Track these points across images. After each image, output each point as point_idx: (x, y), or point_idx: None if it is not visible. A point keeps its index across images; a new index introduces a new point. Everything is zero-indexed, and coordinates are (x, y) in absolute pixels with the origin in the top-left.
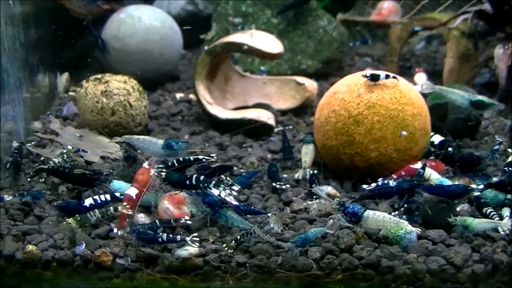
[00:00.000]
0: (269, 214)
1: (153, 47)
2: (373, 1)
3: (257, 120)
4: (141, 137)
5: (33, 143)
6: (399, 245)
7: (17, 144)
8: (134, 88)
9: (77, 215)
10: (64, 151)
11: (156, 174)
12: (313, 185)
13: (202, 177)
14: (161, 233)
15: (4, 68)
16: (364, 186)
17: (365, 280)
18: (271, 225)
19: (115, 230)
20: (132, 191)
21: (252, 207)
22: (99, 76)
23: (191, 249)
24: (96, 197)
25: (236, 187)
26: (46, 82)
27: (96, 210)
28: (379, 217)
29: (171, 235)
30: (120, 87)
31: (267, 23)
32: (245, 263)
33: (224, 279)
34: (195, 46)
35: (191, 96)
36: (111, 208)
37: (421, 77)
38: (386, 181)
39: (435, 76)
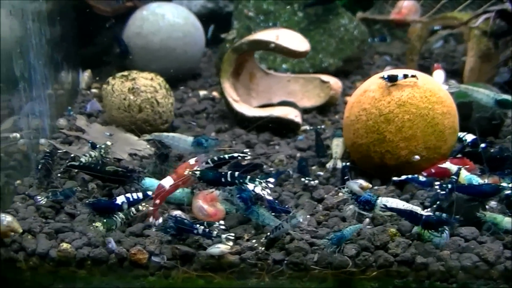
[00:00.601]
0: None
1: (176, 45)
2: (393, 0)
3: (284, 118)
4: (171, 134)
5: (58, 140)
6: (432, 242)
7: (49, 149)
8: (161, 85)
9: (103, 219)
10: (103, 146)
11: (191, 173)
12: (345, 177)
13: (237, 173)
14: (198, 226)
15: (32, 64)
16: (395, 178)
17: (400, 277)
18: (298, 219)
19: (151, 219)
20: (167, 182)
21: (286, 206)
22: (125, 73)
23: (222, 247)
24: (128, 195)
25: (271, 180)
26: (69, 79)
27: (119, 212)
28: (392, 205)
29: (207, 230)
30: (147, 84)
31: (289, 21)
32: (281, 260)
33: (260, 277)
34: (215, 44)
35: (214, 93)
36: (133, 209)
37: (439, 74)
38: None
39: (453, 74)
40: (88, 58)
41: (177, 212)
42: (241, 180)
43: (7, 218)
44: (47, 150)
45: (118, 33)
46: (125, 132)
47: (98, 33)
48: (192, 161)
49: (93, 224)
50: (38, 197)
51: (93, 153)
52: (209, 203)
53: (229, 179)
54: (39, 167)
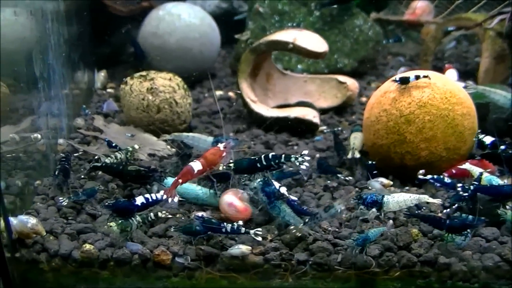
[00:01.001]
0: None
1: (192, 45)
2: (407, 1)
3: (303, 118)
4: (190, 134)
5: (76, 140)
6: (453, 243)
7: (65, 153)
8: (179, 85)
9: (119, 220)
10: (130, 149)
11: (225, 166)
12: (374, 172)
13: (270, 155)
14: (225, 223)
15: (51, 64)
16: (420, 176)
17: (422, 277)
18: (337, 209)
19: (164, 196)
20: (196, 166)
21: (305, 207)
22: (144, 73)
23: (243, 248)
24: (147, 195)
25: (306, 158)
26: (85, 78)
27: (137, 215)
28: (399, 199)
29: (235, 226)
30: (166, 85)
31: (304, 21)
32: (305, 261)
33: (284, 277)
34: (229, 44)
35: (230, 93)
36: (151, 214)
37: (452, 73)
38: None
39: (466, 75)
40: (102, 58)
41: (202, 213)
42: (276, 160)
43: (32, 221)
44: (63, 155)
45: (135, 37)
46: (143, 132)
47: (112, 33)
48: (221, 146)
49: (108, 224)
50: (60, 198)
51: (119, 155)
52: (238, 199)
53: (264, 162)
54: (56, 173)
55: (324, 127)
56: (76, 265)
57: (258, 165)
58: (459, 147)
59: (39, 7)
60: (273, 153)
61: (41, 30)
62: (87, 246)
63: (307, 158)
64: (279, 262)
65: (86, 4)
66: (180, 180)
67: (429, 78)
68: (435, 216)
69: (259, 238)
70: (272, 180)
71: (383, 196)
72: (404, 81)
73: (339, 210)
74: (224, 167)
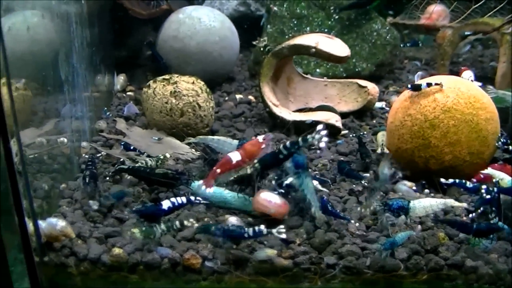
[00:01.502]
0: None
1: (213, 48)
2: (423, 6)
3: (326, 122)
4: (215, 137)
5: (98, 143)
6: (479, 246)
7: (89, 157)
8: (202, 89)
9: (143, 227)
10: (161, 157)
11: (251, 167)
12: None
13: (288, 143)
14: (246, 228)
15: (75, 67)
16: (443, 180)
17: (449, 280)
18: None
19: (203, 187)
20: (235, 156)
21: (337, 210)
22: (166, 76)
23: (268, 251)
24: (173, 199)
25: (321, 130)
26: (106, 81)
27: (162, 223)
28: (426, 204)
29: (256, 229)
30: (189, 88)
31: (322, 25)
32: (334, 264)
33: (313, 281)
34: (246, 47)
35: (250, 97)
36: (177, 222)
37: (468, 74)
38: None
39: (482, 79)
40: (121, 61)
41: (233, 219)
42: (296, 146)
43: (61, 223)
44: (88, 158)
45: (156, 49)
46: (166, 136)
47: (130, 35)
48: (260, 138)
49: (131, 230)
50: (91, 202)
51: (149, 162)
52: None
53: (285, 151)
54: (87, 180)
55: (346, 131)
56: (105, 269)
57: (281, 156)
58: (483, 152)
59: (65, 10)
60: (290, 141)
61: (66, 33)
62: (117, 250)
63: (324, 133)
64: (308, 266)
65: (107, 6)
66: (218, 170)
67: (441, 86)
68: (462, 220)
69: (283, 236)
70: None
71: (409, 202)
72: (416, 88)
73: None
74: (251, 168)
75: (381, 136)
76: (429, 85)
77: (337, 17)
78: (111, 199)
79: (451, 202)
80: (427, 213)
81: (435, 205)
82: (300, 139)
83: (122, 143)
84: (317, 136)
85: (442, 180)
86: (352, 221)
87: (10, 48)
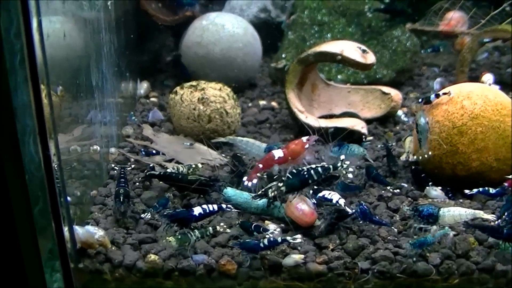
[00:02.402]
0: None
1: (237, 55)
2: (442, 12)
3: (352, 129)
4: (244, 139)
5: (126, 149)
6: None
7: (121, 171)
8: (229, 95)
9: (177, 234)
10: (193, 166)
11: (275, 191)
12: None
13: (320, 168)
14: (261, 239)
15: (104, 73)
16: (467, 191)
17: (480, 283)
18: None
19: (245, 182)
20: (277, 153)
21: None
22: (194, 83)
23: (296, 257)
24: (205, 206)
25: (347, 163)
26: (130, 87)
27: (196, 230)
28: (455, 213)
29: (272, 238)
30: (216, 95)
31: (343, 32)
32: (368, 269)
33: (346, 285)
34: (267, 54)
35: (273, 103)
36: (210, 228)
37: (487, 77)
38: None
39: (501, 86)
40: (143, 67)
41: (272, 226)
42: (326, 172)
43: (99, 232)
44: (120, 175)
45: (182, 62)
46: (194, 142)
47: (152, 41)
48: (304, 139)
49: (166, 238)
50: (143, 215)
51: (181, 169)
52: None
53: (315, 177)
54: (121, 200)
55: (370, 138)
56: (141, 276)
57: (310, 181)
58: (509, 158)
59: (95, 17)
60: (322, 165)
61: (97, 39)
62: (152, 257)
63: (348, 163)
64: (342, 271)
65: (133, 13)
66: (261, 165)
67: (449, 95)
68: (493, 226)
69: (298, 240)
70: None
71: (439, 209)
72: (428, 101)
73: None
74: (275, 191)
75: (408, 143)
76: (437, 96)
77: (357, 24)
78: (158, 208)
79: (480, 213)
80: (455, 222)
81: (464, 215)
82: (331, 167)
83: (143, 150)
84: (344, 166)
85: (466, 191)
86: (392, 228)
87: (49, 55)
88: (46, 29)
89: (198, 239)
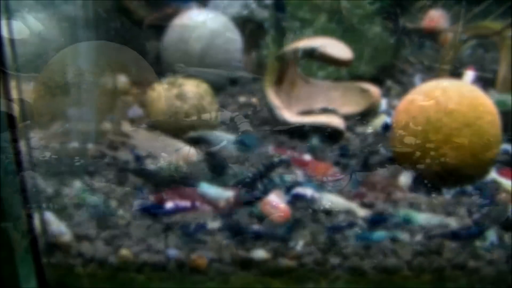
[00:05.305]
0: None
1: (217, 52)
2: (424, 10)
3: (329, 125)
4: (214, 132)
5: (103, 145)
6: None
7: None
8: (206, 92)
9: None
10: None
11: None
12: None
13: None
14: None
15: (81, 70)
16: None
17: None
18: None
19: None
20: None
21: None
22: (172, 79)
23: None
24: (177, 201)
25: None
26: (110, 83)
27: None
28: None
29: None
30: (194, 91)
31: (324, 29)
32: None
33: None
34: (248, 51)
35: (253, 100)
36: None
37: (469, 75)
38: None
39: (484, 83)
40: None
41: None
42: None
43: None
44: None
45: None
46: (170, 138)
47: (134, 38)
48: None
49: None
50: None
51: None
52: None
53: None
54: None
55: (348, 134)
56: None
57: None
58: (485, 155)
59: (73, 13)
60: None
61: (74, 36)
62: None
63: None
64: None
65: (113, 10)
66: None
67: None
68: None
69: None
70: None
71: None
72: None
73: None
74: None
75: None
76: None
77: (339, 21)
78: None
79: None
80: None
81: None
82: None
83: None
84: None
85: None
86: None
87: (20, 51)
88: (20, 26)
89: None
